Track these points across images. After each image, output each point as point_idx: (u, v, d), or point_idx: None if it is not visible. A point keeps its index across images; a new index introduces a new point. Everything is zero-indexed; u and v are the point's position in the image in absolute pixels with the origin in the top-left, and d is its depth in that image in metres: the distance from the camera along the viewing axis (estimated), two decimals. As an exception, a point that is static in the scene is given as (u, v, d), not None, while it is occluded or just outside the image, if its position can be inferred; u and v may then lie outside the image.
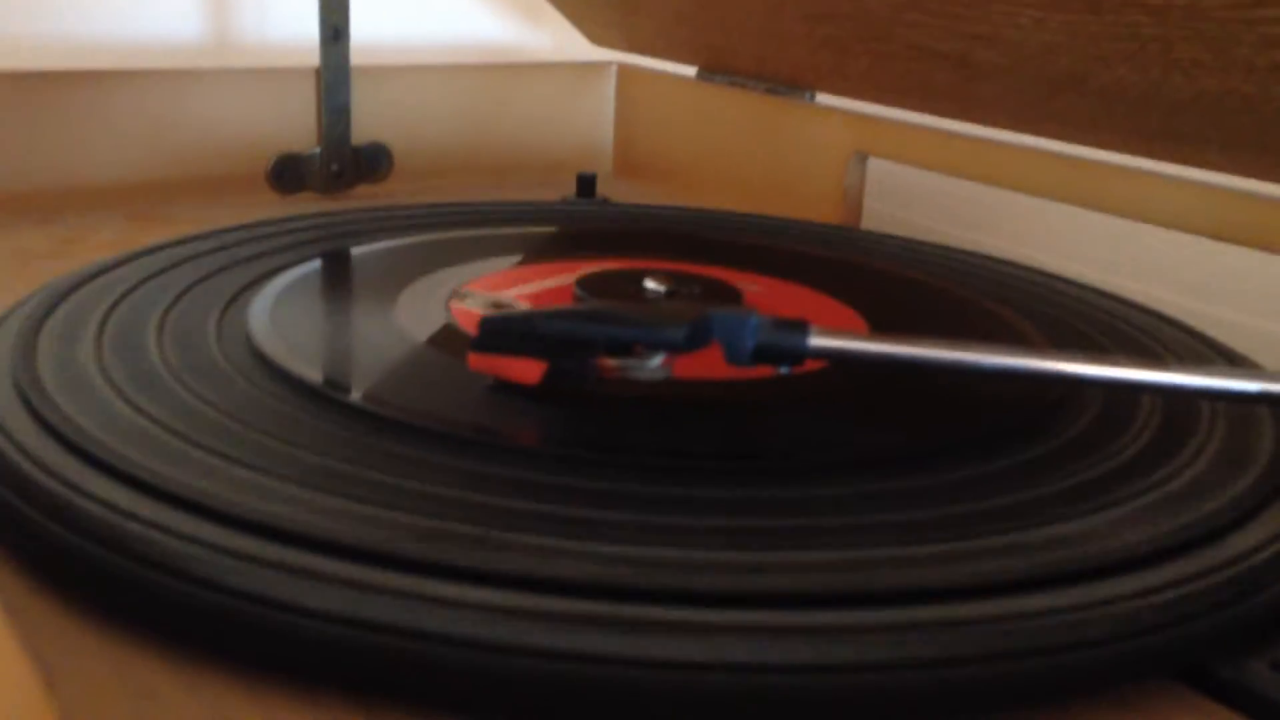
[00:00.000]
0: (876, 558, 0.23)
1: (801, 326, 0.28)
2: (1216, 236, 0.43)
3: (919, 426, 0.31)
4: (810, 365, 0.30)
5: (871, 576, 0.23)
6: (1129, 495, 0.27)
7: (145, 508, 0.23)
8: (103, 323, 0.33)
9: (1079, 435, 0.30)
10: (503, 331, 0.29)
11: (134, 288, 0.37)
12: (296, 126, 0.62)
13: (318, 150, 0.61)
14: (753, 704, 0.21)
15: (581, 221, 0.52)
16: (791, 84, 0.62)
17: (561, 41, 0.77)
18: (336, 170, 0.61)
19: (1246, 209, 0.43)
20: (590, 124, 0.73)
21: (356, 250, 0.43)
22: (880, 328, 0.38)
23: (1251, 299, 0.42)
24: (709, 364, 0.30)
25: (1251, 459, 0.29)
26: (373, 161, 0.63)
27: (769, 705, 0.21)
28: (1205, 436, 0.30)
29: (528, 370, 0.29)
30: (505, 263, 0.42)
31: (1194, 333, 0.39)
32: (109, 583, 0.23)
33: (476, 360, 0.30)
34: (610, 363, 0.30)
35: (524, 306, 0.36)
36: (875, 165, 0.57)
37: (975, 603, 0.22)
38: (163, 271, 0.38)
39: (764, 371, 0.30)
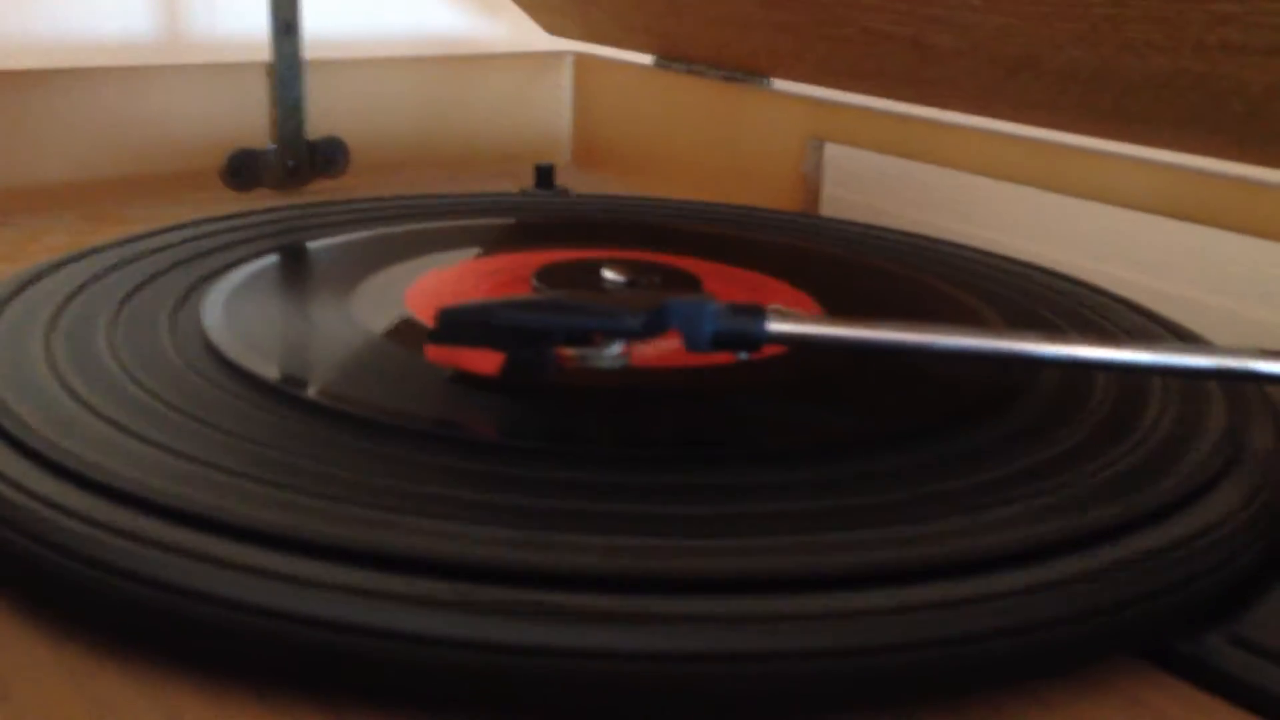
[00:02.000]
0: (836, 541, 0.23)
1: (759, 312, 0.28)
2: (1170, 215, 0.44)
3: (878, 410, 0.31)
4: (769, 351, 0.30)
5: (830, 560, 0.23)
6: (1084, 474, 0.27)
7: (95, 508, 0.23)
8: (53, 319, 0.33)
9: (1034, 416, 0.30)
10: (460, 322, 0.29)
11: (86, 284, 0.36)
12: (250, 122, 0.61)
13: (272, 146, 0.60)
14: (717, 691, 0.21)
15: (540, 212, 0.52)
16: (748, 70, 0.62)
17: (517, 32, 0.77)
18: (292, 166, 0.61)
19: (1199, 187, 0.43)
20: (547, 114, 0.73)
21: (313, 245, 0.43)
22: (838, 313, 0.38)
23: (1204, 276, 0.43)
24: (668, 352, 0.30)
25: (1204, 435, 0.29)
26: (328, 156, 0.62)
27: (730, 692, 0.21)
28: (1158, 414, 0.30)
29: (486, 361, 0.29)
30: (463, 255, 0.42)
31: (1146, 311, 0.39)
32: (58, 587, 0.22)
33: (435, 352, 0.30)
34: (569, 352, 0.30)
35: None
36: (832, 150, 0.57)
37: (934, 585, 0.22)
38: (115, 268, 0.38)
39: (723, 358, 0.30)
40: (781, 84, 0.62)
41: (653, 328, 0.28)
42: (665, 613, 0.21)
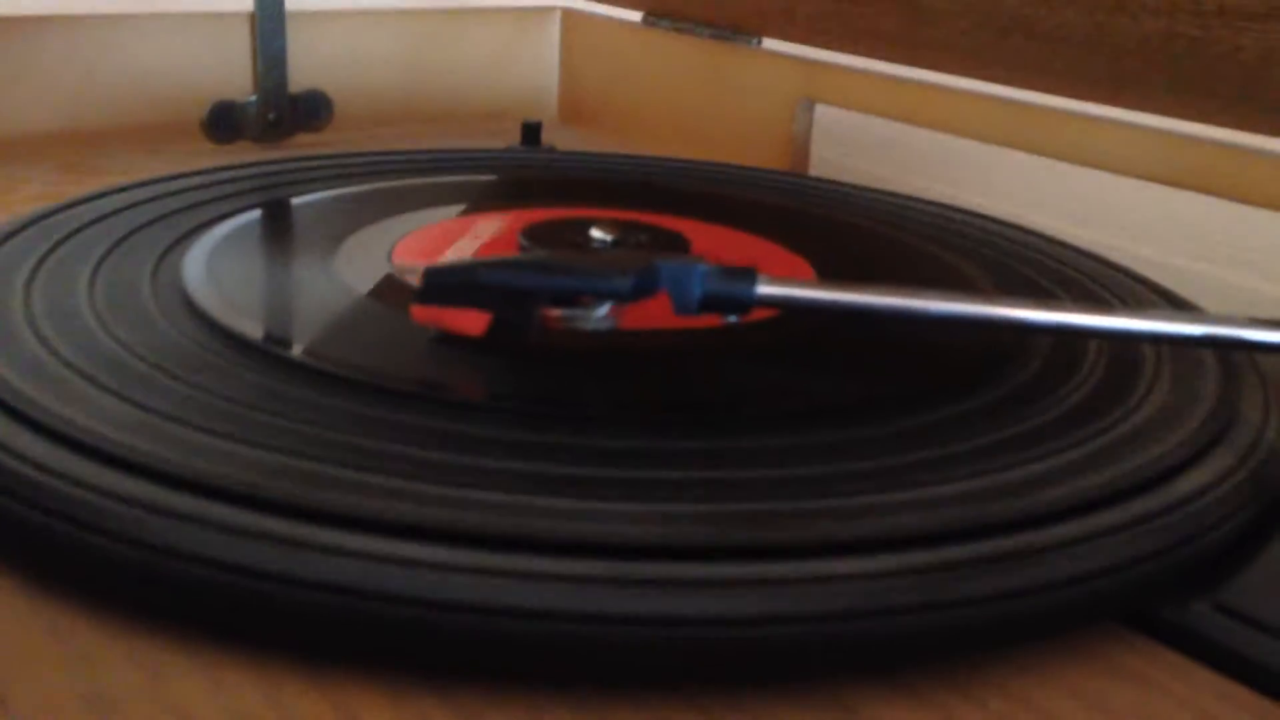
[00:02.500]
0: (821, 507, 0.23)
1: (749, 275, 0.28)
2: (1162, 181, 0.44)
3: (868, 375, 0.31)
4: (759, 314, 0.30)
5: (814, 526, 0.22)
6: (1075, 441, 0.27)
7: (72, 463, 0.22)
8: (33, 273, 0.32)
9: (1025, 383, 0.30)
10: (447, 283, 0.29)
11: (65, 237, 0.35)
12: (232, 73, 0.60)
13: (254, 98, 0.59)
14: (699, 656, 0.20)
15: (526, 170, 0.51)
16: (738, 29, 0.62)
17: (504, -14, 0.76)
18: (274, 119, 0.60)
19: (1190, 153, 0.43)
20: (535, 70, 0.72)
21: (296, 200, 0.42)
22: (828, 276, 0.37)
23: (1191, 243, 0.43)
24: (656, 314, 0.30)
25: (1196, 404, 0.29)
26: (311, 109, 0.61)
27: (715, 656, 0.20)
28: (1151, 382, 0.30)
29: (472, 322, 0.28)
30: (449, 212, 0.42)
31: (1138, 278, 0.39)
32: (36, 542, 0.22)
33: (420, 312, 0.29)
34: (556, 313, 0.30)
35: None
36: (822, 111, 0.57)
37: (919, 550, 0.22)
38: (94, 222, 0.37)
39: (712, 321, 0.30)
40: (772, 43, 0.61)
41: (641, 290, 0.28)
42: (642, 577, 0.20)
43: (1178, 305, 0.37)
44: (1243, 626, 0.23)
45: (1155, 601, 0.24)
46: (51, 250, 0.34)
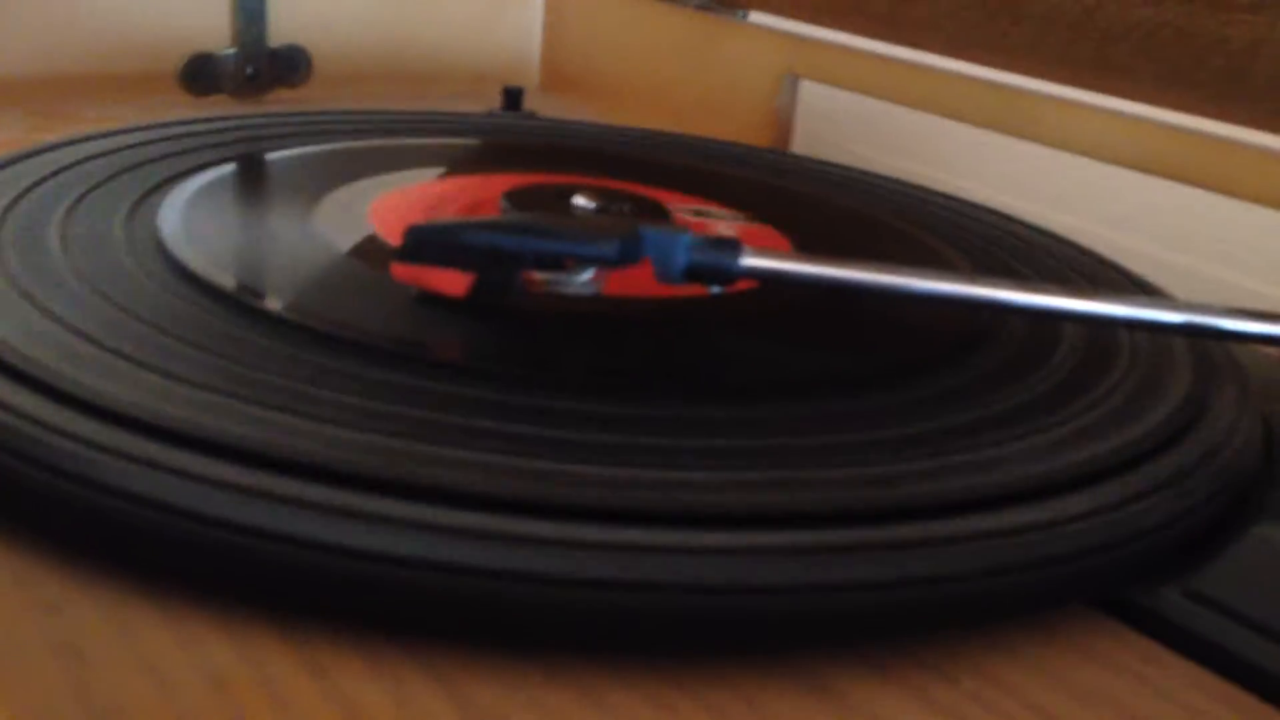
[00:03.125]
0: (793, 479, 0.23)
1: (734, 245, 0.28)
2: (1144, 169, 0.44)
3: (845, 351, 0.31)
4: (740, 286, 0.30)
5: (788, 497, 0.22)
6: (1049, 424, 0.27)
7: (42, 409, 0.22)
8: (2, 217, 0.32)
9: (1001, 365, 0.30)
10: (429, 241, 0.28)
11: (38, 182, 0.35)
12: (210, 25, 0.59)
13: (232, 51, 0.58)
14: (678, 622, 0.20)
15: (508, 135, 0.51)
16: (725, 1, 0.61)
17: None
18: (251, 73, 0.59)
19: (1172, 143, 0.43)
20: (517, 35, 0.71)
21: (273, 155, 0.42)
22: (805, 252, 0.37)
23: (1167, 233, 0.43)
24: (638, 281, 0.30)
25: (1171, 391, 0.29)
26: (289, 65, 0.60)
27: (693, 624, 0.20)
28: (1126, 369, 0.30)
29: (454, 282, 0.28)
30: (428, 174, 0.41)
31: (1118, 267, 0.39)
32: (3, 487, 0.22)
33: (401, 270, 0.29)
34: (539, 277, 0.29)
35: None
36: (807, 88, 0.57)
37: (892, 527, 0.22)
38: (69, 168, 0.37)
39: (693, 290, 0.29)
40: (759, 17, 0.61)
41: (626, 256, 0.28)
42: (602, 541, 0.20)
43: (1150, 294, 0.37)
44: (1212, 613, 0.23)
45: (1126, 587, 0.24)
46: (22, 195, 0.34)
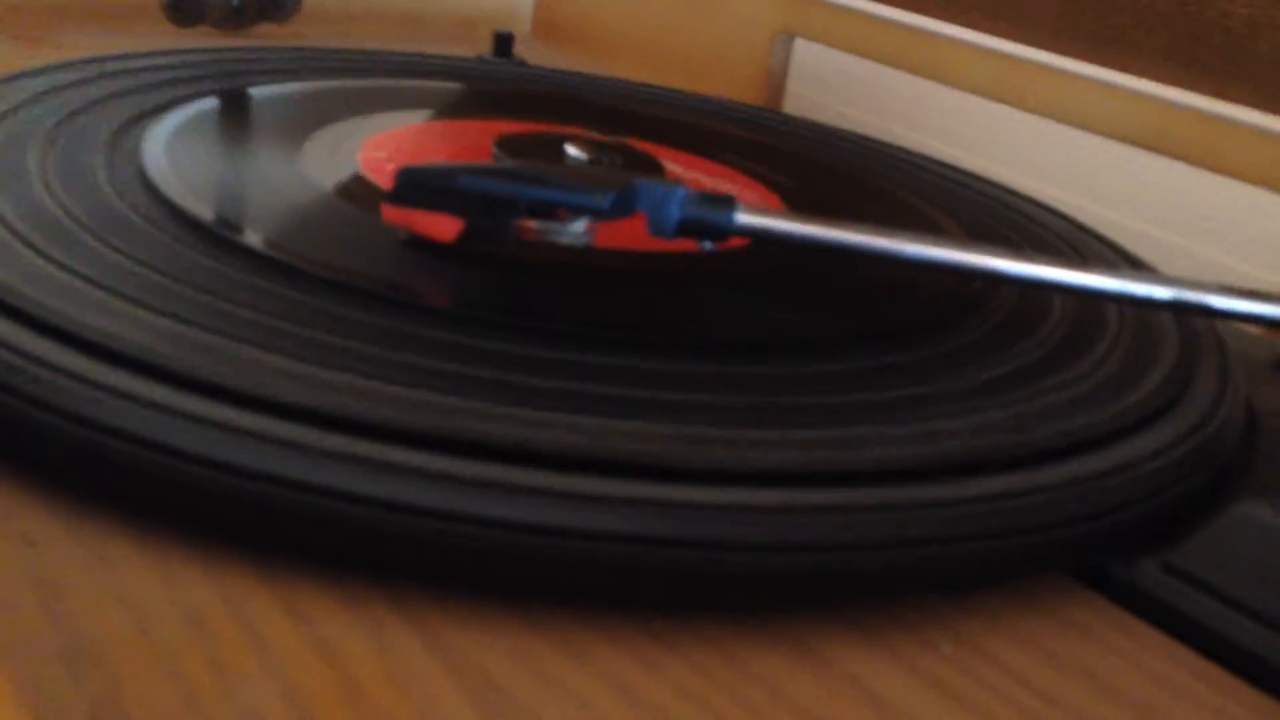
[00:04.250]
0: (776, 438, 0.23)
1: (728, 202, 0.28)
2: (1138, 144, 0.44)
3: (835, 312, 0.31)
4: (732, 243, 0.29)
5: (767, 456, 0.22)
6: (1034, 394, 0.27)
7: (20, 338, 0.22)
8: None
9: (987, 334, 0.30)
10: (421, 184, 0.28)
11: (18, 107, 0.34)
12: (196, -46, 0.58)
13: (218, -18, 0.57)
14: (657, 575, 0.20)
15: (497, 81, 0.50)
16: (721, -45, 0.61)
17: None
18: (238, 5, 0.58)
19: (1168, 119, 0.43)
20: (509, -20, 0.70)
21: (259, 91, 0.41)
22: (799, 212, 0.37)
23: (1159, 209, 0.43)
24: (629, 234, 0.30)
25: (1155, 367, 0.29)
26: (277, 0, 0.59)
27: (672, 578, 0.20)
28: (1111, 344, 0.30)
29: (444, 227, 0.28)
30: (416, 116, 0.41)
31: (1108, 242, 0.39)
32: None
33: (391, 212, 0.28)
34: (531, 225, 0.29)
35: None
36: (801, 47, 0.56)
37: (874, 489, 0.22)
38: (46, 94, 0.36)
39: (685, 245, 0.29)
40: (754, -28, 0.60)
41: (621, 208, 0.27)
42: (593, 492, 0.20)
43: (1139, 269, 0.37)
44: (1188, 587, 0.23)
45: (1105, 558, 0.24)
46: (5, 116, 0.33)
